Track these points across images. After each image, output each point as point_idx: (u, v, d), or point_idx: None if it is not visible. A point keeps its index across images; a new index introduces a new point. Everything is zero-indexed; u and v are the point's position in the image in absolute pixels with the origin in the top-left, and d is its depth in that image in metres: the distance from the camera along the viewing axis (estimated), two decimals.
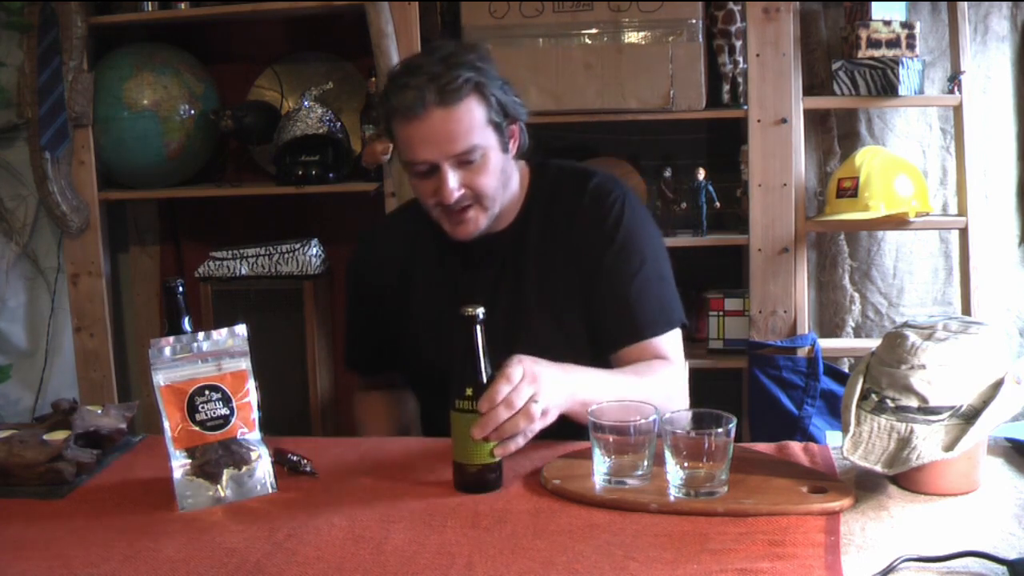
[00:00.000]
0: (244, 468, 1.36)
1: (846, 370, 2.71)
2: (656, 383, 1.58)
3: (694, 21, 2.55)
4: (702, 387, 2.57)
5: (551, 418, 1.40)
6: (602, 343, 1.68)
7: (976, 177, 2.64)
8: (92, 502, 1.37)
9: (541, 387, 1.37)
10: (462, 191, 1.60)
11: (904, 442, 1.25)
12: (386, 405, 1.88)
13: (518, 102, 1.66)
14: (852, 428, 1.30)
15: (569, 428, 1.45)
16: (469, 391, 1.32)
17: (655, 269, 1.69)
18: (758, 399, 2.62)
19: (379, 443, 1.58)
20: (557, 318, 1.68)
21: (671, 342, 1.68)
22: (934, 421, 1.25)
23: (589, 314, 1.68)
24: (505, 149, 1.64)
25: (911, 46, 2.55)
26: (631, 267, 1.67)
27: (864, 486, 1.29)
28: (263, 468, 1.38)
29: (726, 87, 2.63)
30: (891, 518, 1.21)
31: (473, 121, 1.57)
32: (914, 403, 1.26)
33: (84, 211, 2.85)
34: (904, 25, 2.55)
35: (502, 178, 1.65)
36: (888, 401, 1.28)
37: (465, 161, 1.59)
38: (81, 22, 2.77)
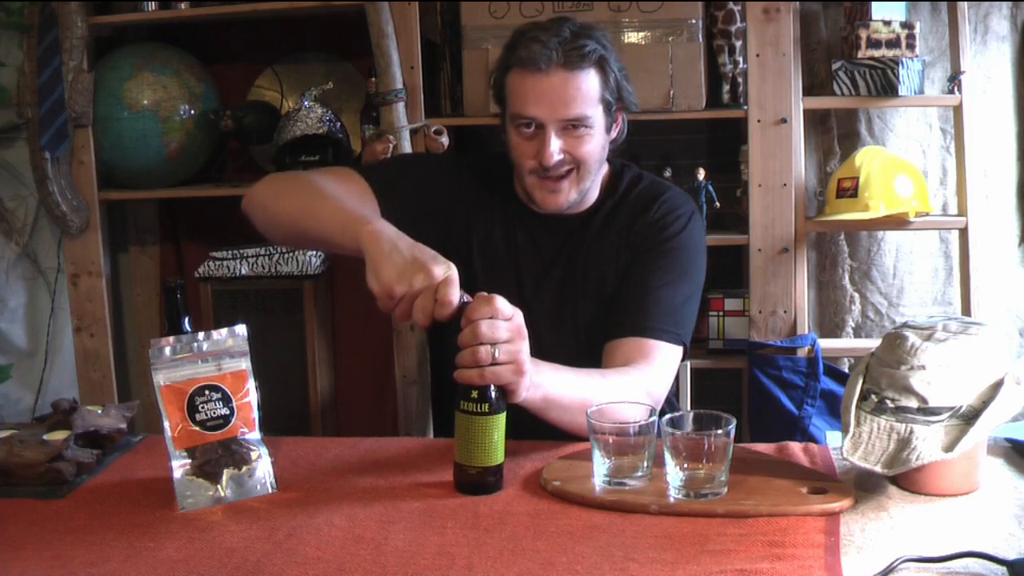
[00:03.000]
0: (244, 468, 1.36)
1: (846, 370, 2.70)
2: (623, 387, 1.48)
3: (694, 21, 2.55)
4: (702, 387, 2.59)
5: (518, 388, 1.32)
6: (607, 329, 1.65)
7: (976, 177, 2.64)
8: (92, 502, 1.37)
9: (519, 344, 1.31)
10: (562, 156, 1.62)
11: (904, 443, 1.25)
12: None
13: (631, 91, 1.70)
14: (852, 429, 1.30)
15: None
16: (474, 393, 1.29)
17: (686, 289, 1.68)
18: (758, 399, 2.62)
19: (379, 443, 1.58)
20: (598, 305, 1.70)
21: (667, 354, 1.62)
22: (934, 422, 1.25)
23: (611, 300, 1.68)
24: (608, 130, 1.68)
25: (911, 46, 2.55)
26: (667, 274, 1.67)
27: (864, 486, 1.29)
28: (263, 468, 1.38)
29: (726, 87, 2.62)
30: (891, 518, 1.21)
31: (590, 92, 1.62)
32: (914, 404, 1.26)
33: (84, 211, 2.85)
34: (904, 25, 2.54)
35: (600, 156, 1.68)
36: (888, 402, 1.28)
37: (571, 130, 1.62)
38: (81, 22, 2.76)
